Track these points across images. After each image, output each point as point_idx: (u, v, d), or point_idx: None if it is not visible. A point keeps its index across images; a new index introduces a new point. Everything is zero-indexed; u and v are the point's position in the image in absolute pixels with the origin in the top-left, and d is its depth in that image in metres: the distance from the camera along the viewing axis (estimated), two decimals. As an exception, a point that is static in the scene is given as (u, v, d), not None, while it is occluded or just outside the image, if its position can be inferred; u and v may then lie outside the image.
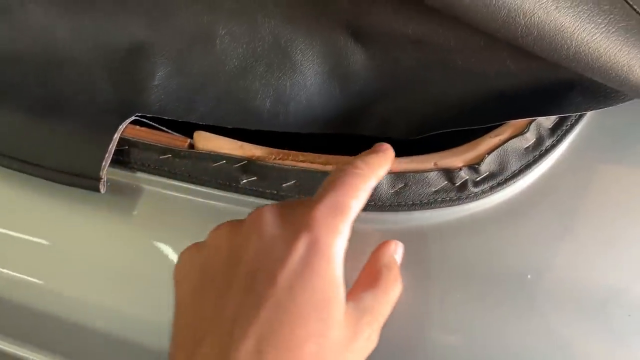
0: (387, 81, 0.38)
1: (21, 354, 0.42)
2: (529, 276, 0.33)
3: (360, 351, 0.28)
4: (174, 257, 0.36)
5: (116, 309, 0.38)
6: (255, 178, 0.35)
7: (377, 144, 0.33)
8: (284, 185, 0.35)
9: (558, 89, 0.34)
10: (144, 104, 0.38)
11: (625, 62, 0.28)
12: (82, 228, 0.38)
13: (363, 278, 0.31)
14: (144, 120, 0.38)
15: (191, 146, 0.37)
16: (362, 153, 0.32)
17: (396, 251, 0.33)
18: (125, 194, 0.37)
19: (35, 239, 0.39)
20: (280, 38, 0.38)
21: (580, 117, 0.35)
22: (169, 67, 0.39)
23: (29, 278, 0.39)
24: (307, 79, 0.39)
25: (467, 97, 0.36)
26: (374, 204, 0.34)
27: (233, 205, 0.36)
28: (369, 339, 0.28)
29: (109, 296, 0.38)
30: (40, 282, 0.39)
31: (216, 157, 0.36)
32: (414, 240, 0.34)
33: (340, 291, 0.27)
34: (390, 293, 0.30)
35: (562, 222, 0.34)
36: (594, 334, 0.33)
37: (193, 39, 0.38)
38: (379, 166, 0.31)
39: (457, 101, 0.37)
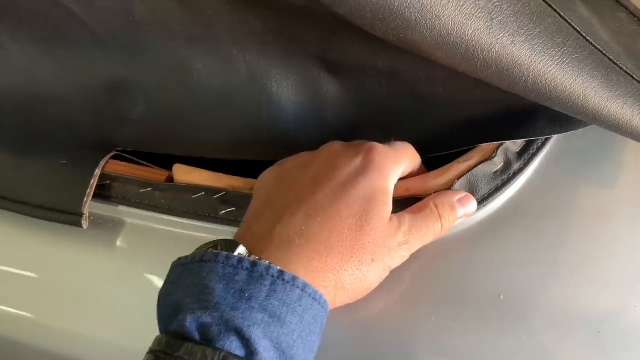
0: (360, 110, 0.39)
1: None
2: (501, 296, 0.34)
3: (390, 253, 0.32)
4: (156, 287, 0.37)
5: (100, 339, 0.38)
6: (233, 208, 0.36)
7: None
8: (261, 214, 0.36)
9: (524, 114, 0.36)
10: (124, 139, 0.39)
11: (581, 91, 0.29)
12: (65, 261, 0.39)
13: (413, 207, 0.35)
14: (124, 154, 0.39)
15: (170, 179, 0.38)
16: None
17: (462, 202, 0.35)
18: (107, 227, 0.38)
19: (21, 273, 0.40)
20: (256, 71, 0.39)
21: (546, 141, 0.36)
22: (147, 102, 0.40)
23: (15, 311, 0.40)
24: (283, 109, 0.40)
25: (437, 124, 0.38)
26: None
27: (212, 235, 0.37)
28: (401, 246, 0.32)
29: (93, 327, 0.38)
30: (26, 314, 0.40)
31: (195, 189, 0.37)
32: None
33: (387, 199, 0.32)
34: (426, 223, 0.33)
35: (531, 242, 0.35)
36: (565, 351, 0.34)
37: (170, 74, 0.39)
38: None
39: (428, 128, 0.38)
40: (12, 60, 0.41)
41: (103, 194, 0.37)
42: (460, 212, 0.35)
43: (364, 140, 0.35)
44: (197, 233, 0.37)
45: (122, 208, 0.38)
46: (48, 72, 0.41)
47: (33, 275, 0.40)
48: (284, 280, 0.27)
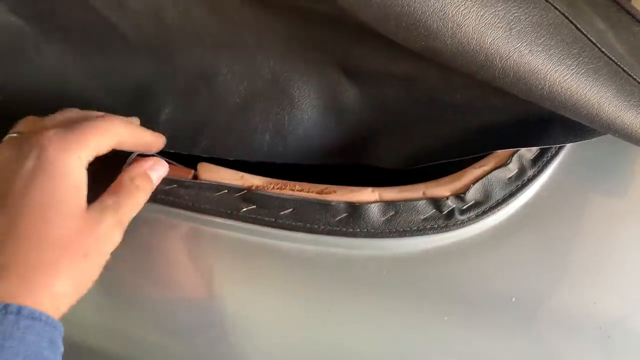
0: (379, 115, 0.40)
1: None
2: (513, 299, 0.35)
3: (102, 240, 0.32)
4: (178, 282, 0.39)
5: (117, 329, 0.40)
6: (254, 206, 0.38)
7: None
8: (281, 213, 0.37)
9: (539, 122, 0.37)
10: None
11: (595, 100, 0.30)
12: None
13: (111, 188, 0.34)
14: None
15: (195, 177, 0.39)
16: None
17: (152, 168, 0.37)
18: (133, 222, 0.39)
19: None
20: (279, 76, 0.41)
21: (560, 149, 0.37)
22: (175, 105, 0.41)
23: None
24: (304, 113, 0.41)
25: (454, 130, 0.39)
26: (366, 231, 0.36)
27: (234, 232, 0.38)
28: (110, 233, 0.32)
29: (114, 319, 0.40)
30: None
31: (218, 187, 0.38)
32: (404, 265, 0.36)
33: (79, 194, 0.31)
34: (131, 199, 0.34)
35: (544, 247, 0.36)
36: (574, 354, 0.34)
37: (197, 77, 0.41)
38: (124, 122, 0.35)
39: (444, 134, 0.39)
40: (45, 62, 0.42)
41: (129, 189, 0.39)
42: (154, 176, 0.37)
43: (36, 133, 0.32)
44: (219, 229, 0.38)
45: (147, 204, 0.39)
46: (78, 73, 0.43)
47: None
48: None
